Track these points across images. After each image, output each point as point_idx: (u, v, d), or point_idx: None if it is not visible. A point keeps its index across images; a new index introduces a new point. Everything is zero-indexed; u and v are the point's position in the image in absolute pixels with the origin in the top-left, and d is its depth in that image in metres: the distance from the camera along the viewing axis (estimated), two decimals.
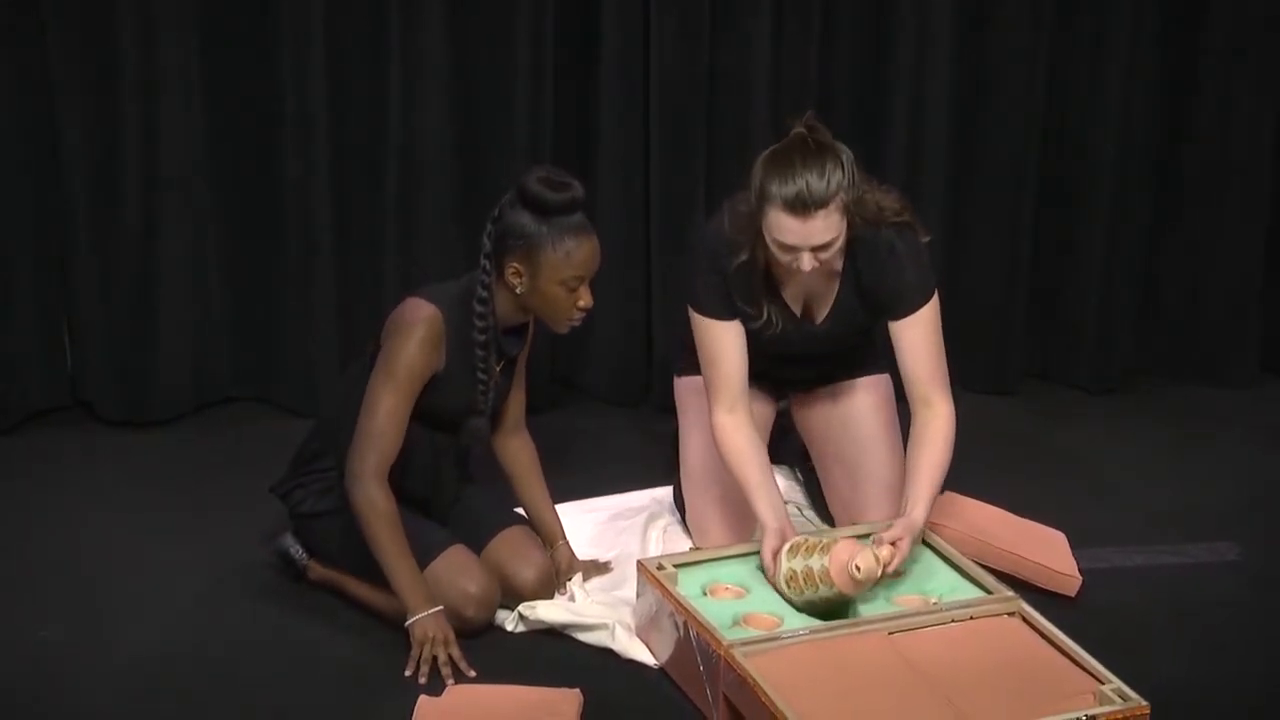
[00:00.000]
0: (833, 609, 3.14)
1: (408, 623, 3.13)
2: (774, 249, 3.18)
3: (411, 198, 4.15)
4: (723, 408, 3.36)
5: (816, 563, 3.09)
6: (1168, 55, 4.38)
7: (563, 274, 3.14)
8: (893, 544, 3.15)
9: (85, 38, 3.96)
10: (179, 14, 3.98)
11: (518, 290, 3.18)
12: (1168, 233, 4.56)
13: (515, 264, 3.15)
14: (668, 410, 3.87)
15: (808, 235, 3.11)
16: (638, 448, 4.15)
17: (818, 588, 3.09)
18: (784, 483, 3.84)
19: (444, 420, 3.28)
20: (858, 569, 3.05)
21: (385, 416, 3.15)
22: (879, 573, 3.09)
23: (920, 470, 3.28)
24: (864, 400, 3.61)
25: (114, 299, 4.14)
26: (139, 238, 4.10)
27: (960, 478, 3.74)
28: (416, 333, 3.14)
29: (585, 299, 3.19)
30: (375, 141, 4.12)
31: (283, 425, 4.16)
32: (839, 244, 3.17)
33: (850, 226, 3.19)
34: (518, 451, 3.49)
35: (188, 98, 4.05)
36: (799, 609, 3.13)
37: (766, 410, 3.69)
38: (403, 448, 3.19)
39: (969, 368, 4.51)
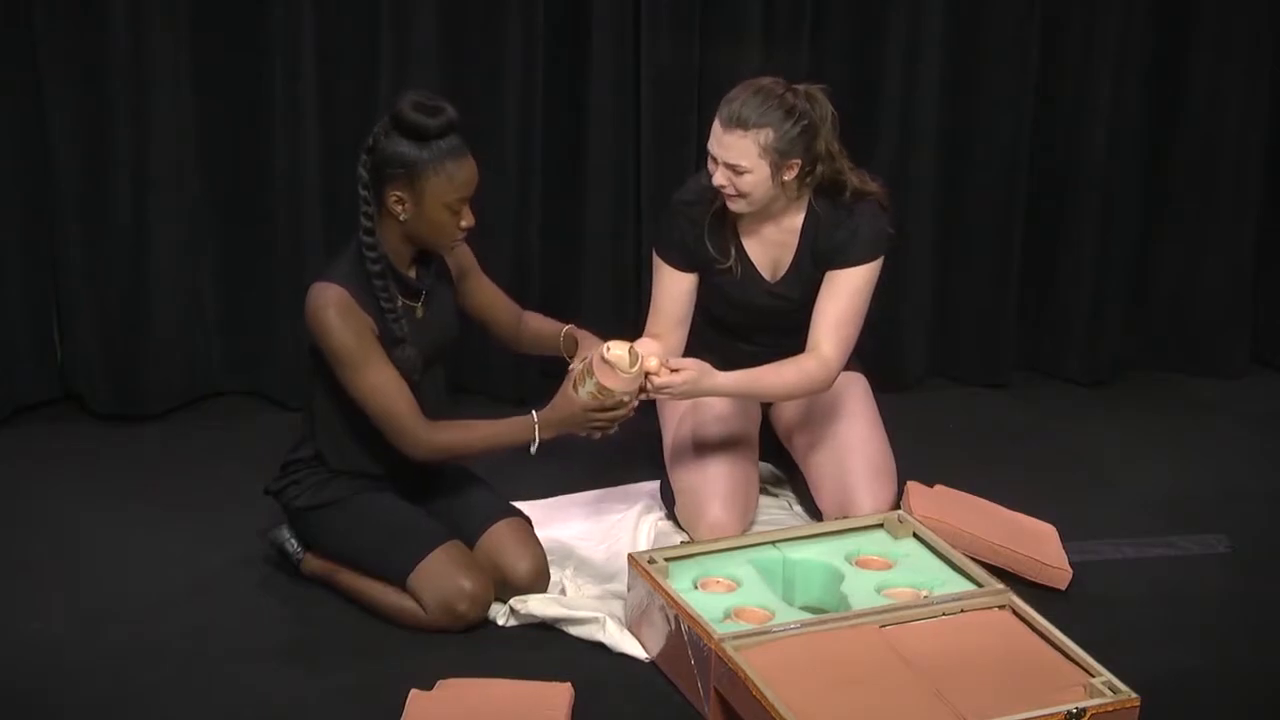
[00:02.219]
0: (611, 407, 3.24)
1: (534, 446, 3.26)
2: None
3: None
4: (650, 332, 3.52)
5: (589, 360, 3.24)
6: (1159, 48, 4.37)
7: (446, 197, 3.15)
8: (674, 371, 3.27)
9: (74, 30, 3.94)
10: (169, 5, 3.97)
11: (401, 218, 3.18)
12: (1159, 225, 4.56)
13: (398, 192, 3.16)
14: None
15: (721, 146, 3.32)
16: (628, 441, 4.11)
17: (586, 381, 3.20)
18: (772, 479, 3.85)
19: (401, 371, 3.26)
20: (608, 349, 3.18)
21: (379, 392, 3.17)
22: (630, 365, 3.18)
23: (762, 369, 3.39)
24: (843, 387, 3.62)
25: (104, 292, 4.13)
26: (129, 230, 4.08)
27: (951, 470, 3.76)
28: (331, 315, 3.14)
29: (468, 219, 3.20)
30: (365, 135, 4.09)
31: (273, 418, 4.16)
32: (749, 184, 3.32)
33: (800, 187, 3.38)
34: (524, 321, 3.55)
35: (177, 90, 4.04)
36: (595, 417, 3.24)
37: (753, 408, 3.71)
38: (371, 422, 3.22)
39: (960, 361, 4.52)
